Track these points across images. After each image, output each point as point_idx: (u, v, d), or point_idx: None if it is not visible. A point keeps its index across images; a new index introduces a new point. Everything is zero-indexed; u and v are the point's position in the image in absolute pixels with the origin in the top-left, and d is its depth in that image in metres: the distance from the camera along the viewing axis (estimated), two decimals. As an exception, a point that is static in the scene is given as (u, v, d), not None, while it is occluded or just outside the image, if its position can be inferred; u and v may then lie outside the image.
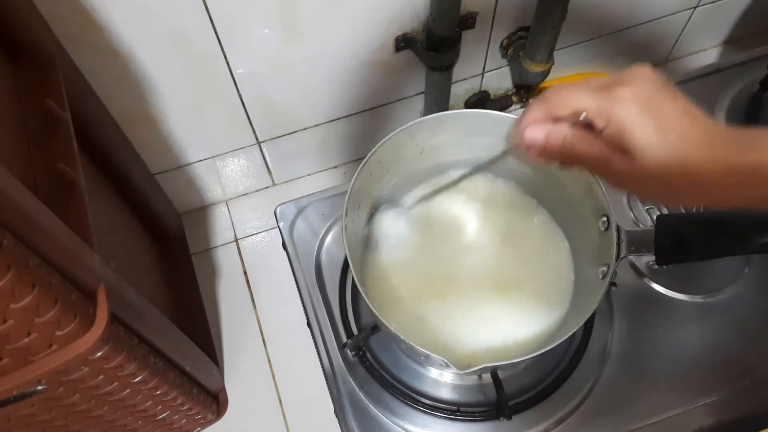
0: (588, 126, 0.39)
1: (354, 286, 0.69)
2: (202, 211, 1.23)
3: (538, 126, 0.41)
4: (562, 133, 0.41)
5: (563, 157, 0.42)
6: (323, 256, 0.72)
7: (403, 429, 0.64)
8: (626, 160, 0.38)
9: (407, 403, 0.64)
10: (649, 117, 0.37)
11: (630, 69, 0.38)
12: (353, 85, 1.02)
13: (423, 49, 0.95)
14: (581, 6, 1.05)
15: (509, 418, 0.62)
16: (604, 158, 0.39)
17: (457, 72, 1.08)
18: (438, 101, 1.08)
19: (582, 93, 0.39)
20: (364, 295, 0.54)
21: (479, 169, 0.65)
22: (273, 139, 1.10)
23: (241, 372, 1.09)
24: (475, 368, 0.51)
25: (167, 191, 1.12)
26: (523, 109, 0.57)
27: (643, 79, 0.38)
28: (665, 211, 0.74)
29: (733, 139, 0.37)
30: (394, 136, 0.58)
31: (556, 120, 0.41)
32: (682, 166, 0.36)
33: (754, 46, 0.81)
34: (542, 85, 1.22)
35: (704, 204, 0.39)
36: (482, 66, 1.12)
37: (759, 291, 0.69)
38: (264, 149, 1.12)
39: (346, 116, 1.10)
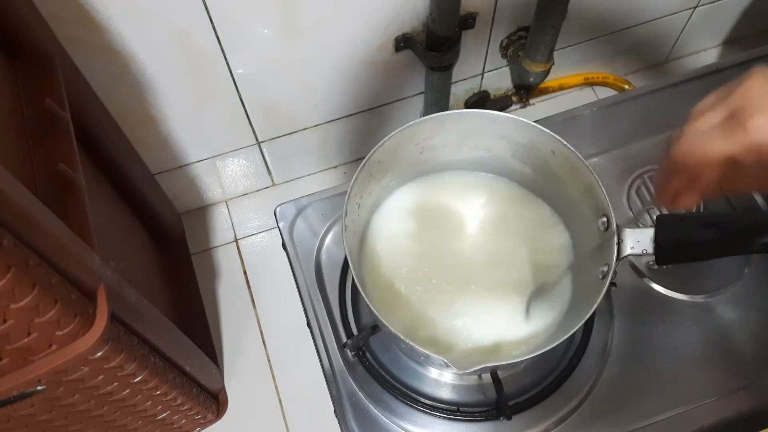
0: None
1: (354, 286, 0.69)
2: (202, 211, 1.23)
3: (688, 192, 0.40)
4: (713, 181, 0.39)
5: (721, 194, 0.42)
6: (323, 256, 0.72)
7: (403, 429, 0.64)
8: None
9: (407, 403, 0.64)
10: None
11: (743, 87, 0.36)
12: (353, 85, 1.02)
13: (423, 49, 0.95)
14: (581, 6, 1.05)
15: (509, 418, 0.62)
16: (765, 184, 0.38)
17: (457, 72, 1.08)
18: (438, 101, 1.08)
19: (715, 143, 0.37)
20: (363, 295, 0.54)
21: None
22: (273, 139, 1.10)
23: (241, 372, 1.09)
24: (475, 368, 0.51)
25: (167, 191, 1.12)
26: (525, 128, 0.56)
27: (764, 95, 0.36)
28: (665, 211, 0.74)
29: None
30: (394, 136, 0.58)
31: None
32: None
33: (754, 46, 0.81)
34: (542, 84, 1.22)
35: None
36: (482, 66, 1.12)
37: (759, 291, 0.69)
38: (264, 149, 1.12)
39: (346, 116, 1.10)
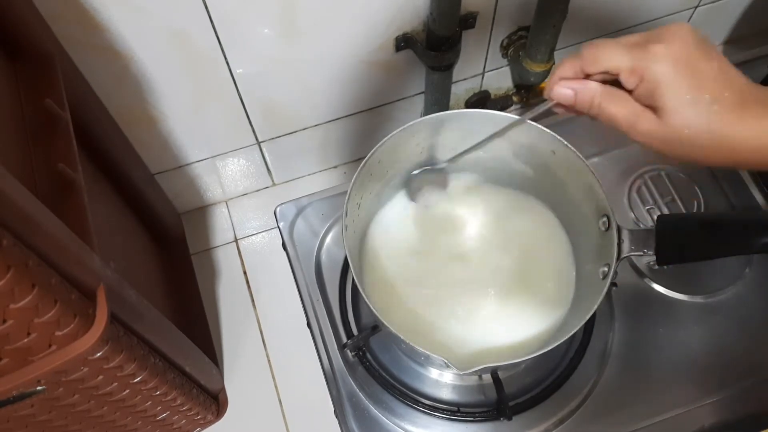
0: (618, 82, 0.39)
1: (354, 286, 0.69)
2: (202, 211, 1.23)
3: (568, 83, 0.42)
4: (591, 91, 0.41)
5: (591, 114, 0.42)
6: (323, 256, 0.72)
7: (403, 429, 0.64)
8: (656, 119, 0.37)
9: (407, 404, 0.64)
10: (683, 76, 0.36)
11: (667, 26, 0.38)
12: (353, 84, 1.02)
13: (423, 49, 0.95)
14: (582, 6, 1.05)
15: (510, 418, 0.62)
16: (633, 117, 0.39)
17: (458, 72, 1.08)
18: (438, 101, 1.08)
19: (616, 50, 0.38)
20: (364, 295, 0.53)
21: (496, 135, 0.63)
22: (273, 139, 1.10)
23: (241, 372, 1.09)
24: (476, 368, 0.51)
25: (167, 191, 1.12)
26: (525, 128, 0.57)
27: (680, 36, 0.37)
28: (666, 210, 0.74)
29: (765, 103, 0.36)
30: (394, 136, 0.58)
31: (587, 76, 0.41)
32: (713, 129, 0.36)
33: (754, 46, 0.81)
34: (543, 84, 1.22)
35: (732, 166, 0.39)
36: (482, 66, 1.12)
37: (759, 291, 0.69)
38: (264, 149, 1.12)
39: (346, 116, 1.10)
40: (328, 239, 0.73)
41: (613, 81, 0.40)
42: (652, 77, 0.37)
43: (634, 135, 0.40)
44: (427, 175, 0.66)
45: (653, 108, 0.37)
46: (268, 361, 1.10)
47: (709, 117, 0.36)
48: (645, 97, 0.38)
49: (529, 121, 0.58)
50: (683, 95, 0.36)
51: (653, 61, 0.36)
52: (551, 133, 0.57)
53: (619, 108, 0.40)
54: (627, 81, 0.38)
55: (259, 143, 1.10)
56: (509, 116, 0.58)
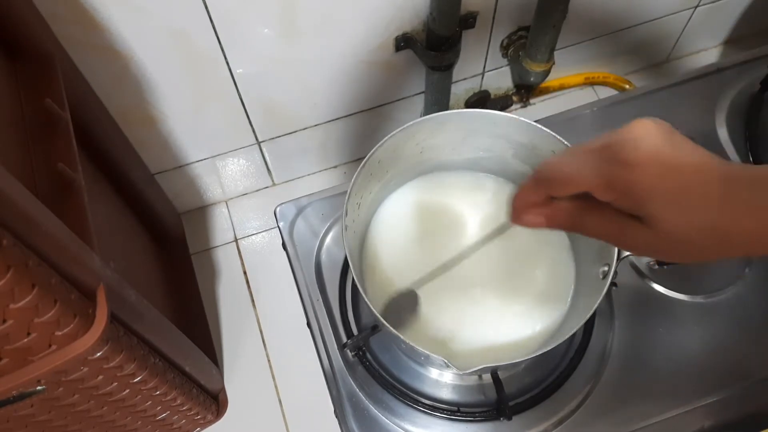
0: (588, 194, 0.35)
1: (354, 286, 0.69)
2: (202, 211, 1.23)
3: (537, 210, 0.38)
4: (564, 212, 0.37)
5: (572, 231, 0.39)
6: (323, 256, 0.72)
7: (403, 429, 0.64)
8: (644, 228, 0.34)
9: (407, 404, 0.64)
10: (663, 180, 0.32)
11: (628, 125, 0.34)
12: (353, 84, 1.02)
13: (423, 49, 0.95)
14: (582, 6, 1.05)
15: (509, 418, 0.62)
16: (619, 231, 0.35)
17: (458, 72, 1.08)
18: (438, 101, 1.08)
19: (583, 168, 0.34)
20: (363, 295, 0.53)
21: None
22: (273, 138, 1.10)
23: (240, 372, 1.09)
24: (476, 368, 0.51)
25: (167, 191, 1.12)
26: (525, 128, 0.56)
27: (647, 136, 0.33)
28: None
29: (753, 189, 0.33)
30: (394, 136, 0.58)
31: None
32: (705, 227, 0.33)
33: (754, 46, 0.81)
34: (543, 84, 1.22)
35: (729, 256, 0.35)
36: (482, 66, 1.12)
37: (759, 291, 0.69)
38: (264, 149, 1.12)
39: (346, 116, 1.10)
40: (328, 239, 0.73)
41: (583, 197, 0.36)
42: (633, 189, 0.33)
43: (624, 248, 0.37)
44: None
45: (638, 217, 0.34)
46: (268, 361, 1.10)
47: (702, 217, 0.33)
48: (627, 208, 0.34)
49: (529, 121, 0.58)
50: (668, 201, 0.33)
51: (629, 172, 0.33)
52: (551, 133, 0.57)
53: (602, 225, 0.36)
54: (603, 196, 0.34)
55: (259, 143, 1.10)
56: (509, 116, 0.58)
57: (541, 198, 0.38)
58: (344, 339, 0.67)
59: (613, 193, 0.34)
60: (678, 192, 0.32)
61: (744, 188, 0.32)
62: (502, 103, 1.21)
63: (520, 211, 0.39)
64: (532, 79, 1.10)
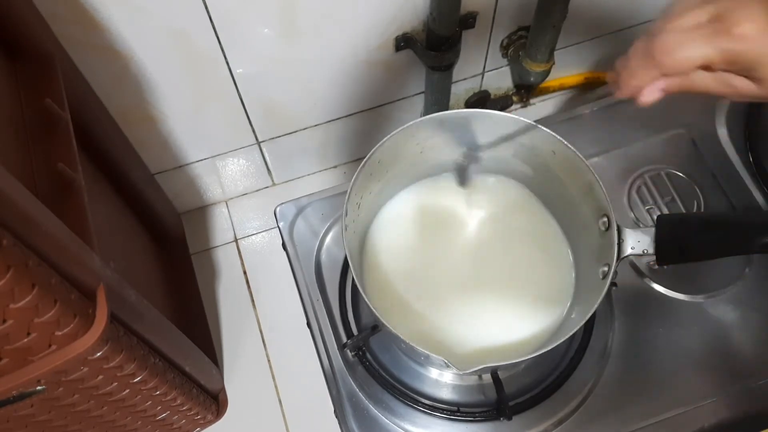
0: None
1: (354, 286, 0.69)
2: (201, 211, 1.23)
3: (653, 86, 0.39)
4: (679, 81, 0.39)
5: (679, 91, 0.40)
6: (323, 256, 0.72)
7: (403, 429, 0.64)
8: (754, 86, 0.36)
9: (407, 404, 0.64)
10: None
11: (730, 1, 0.36)
12: (353, 84, 1.02)
13: (423, 49, 0.95)
14: (582, 5, 1.05)
15: (509, 418, 0.62)
16: (729, 88, 0.38)
17: (458, 72, 1.08)
18: (438, 101, 1.08)
19: (696, 45, 0.36)
20: (363, 294, 0.54)
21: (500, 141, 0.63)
22: (273, 138, 1.10)
23: (241, 372, 1.09)
24: (476, 368, 0.51)
25: (167, 191, 1.12)
26: (525, 128, 0.56)
27: (752, 7, 0.35)
28: (666, 211, 0.74)
29: None
30: (394, 136, 0.58)
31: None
32: None
33: (755, 46, 0.81)
34: (543, 84, 1.22)
35: None
36: (482, 66, 1.12)
37: (759, 291, 0.69)
38: (264, 149, 1.12)
39: (346, 116, 1.10)
40: (328, 239, 0.73)
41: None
42: (747, 58, 0.35)
43: (734, 98, 0.39)
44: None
45: (750, 78, 0.36)
46: (268, 361, 1.10)
47: None
48: (740, 72, 0.36)
49: (529, 121, 0.58)
50: None
51: (744, 43, 0.35)
52: (551, 133, 0.57)
53: (712, 83, 0.38)
54: (720, 68, 0.37)
55: (259, 143, 1.10)
56: (509, 116, 0.58)
57: (654, 78, 0.39)
58: (344, 339, 0.67)
59: (727, 63, 0.36)
60: None
61: None
62: (502, 103, 1.21)
63: (633, 89, 0.40)
64: (532, 79, 1.10)
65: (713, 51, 0.36)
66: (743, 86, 0.37)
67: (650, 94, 0.40)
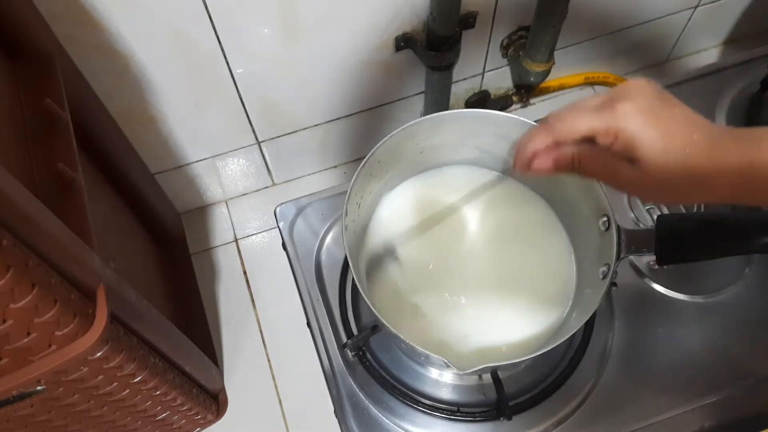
0: (589, 140, 0.41)
1: (354, 286, 0.69)
2: (201, 211, 1.23)
3: (545, 155, 0.43)
4: (569, 155, 0.43)
5: (571, 173, 0.44)
6: (323, 256, 0.72)
7: (403, 429, 0.64)
8: (634, 168, 0.39)
9: (407, 404, 0.64)
10: (652, 127, 0.38)
11: (625, 84, 0.40)
12: (353, 84, 1.02)
13: (423, 49, 0.95)
14: (582, 6, 1.05)
15: (509, 418, 0.62)
16: (612, 170, 0.41)
17: (458, 71, 1.08)
18: (438, 101, 1.08)
19: (585, 116, 0.41)
20: (364, 294, 0.53)
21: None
22: (273, 138, 1.10)
23: (240, 372, 1.09)
24: (476, 368, 0.51)
25: (167, 191, 1.12)
26: (525, 128, 0.58)
27: (640, 92, 0.39)
28: (666, 210, 0.74)
29: (733, 140, 0.38)
30: (394, 136, 0.58)
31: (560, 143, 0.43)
32: (687, 170, 0.38)
33: (754, 46, 0.81)
34: (543, 84, 1.22)
35: (709, 201, 0.41)
36: (482, 66, 1.12)
37: (759, 291, 0.69)
38: (264, 149, 1.12)
39: (346, 116, 1.10)
40: (328, 239, 0.73)
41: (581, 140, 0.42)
42: (625, 133, 0.39)
43: (617, 185, 0.42)
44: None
45: (630, 160, 0.39)
46: (268, 361, 1.10)
47: (684, 160, 0.38)
48: (621, 151, 0.40)
49: (529, 121, 0.58)
50: (656, 144, 0.38)
51: (623, 119, 0.39)
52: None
53: (600, 166, 0.42)
54: (602, 140, 0.40)
55: (259, 143, 1.10)
56: (509, 116, 0.58)
57: (548, 143, 0.43)
58: (344, 339, 0.67)
59: (610, 137, 0.40)
60: (664, 138, 0.38)
61: (727, 137, 0.38)
62: (502, 103, 1.21)
63: (527, 157, 0.44)
64: (532, 79, 1.10)
65: (598, 122, 0.40)
66: (626, 172, 0.40)
67: (542, 162, 0.44)
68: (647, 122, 0.38)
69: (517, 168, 0.45)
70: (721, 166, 0.37)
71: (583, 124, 0.40)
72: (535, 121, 0.58)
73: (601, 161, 0.41)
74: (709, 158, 0.38)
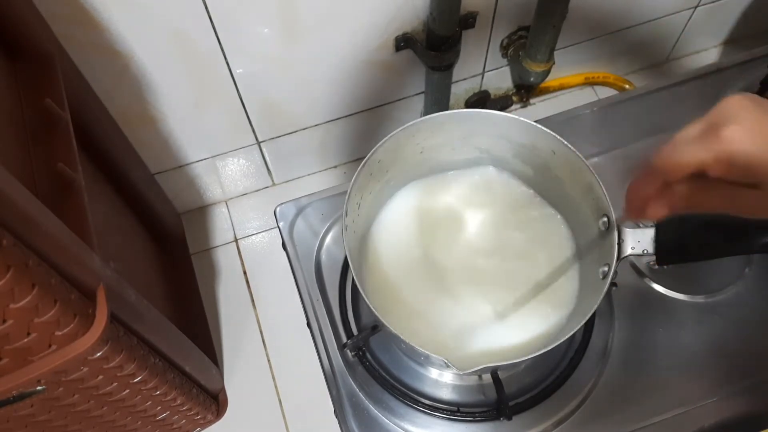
0: (701, 174, 0.38)
1: (354, 286, 0.69)
2: (201, 211, 1.23)
3: (658, 200, 0.41)
4: (681, 196, 0.40)
5: (689, 211, 0.41)
6: (323, 256, 0.72)
7: (403, 429, 0.64)
8: (758, 192, 0.37)
9: (407, 404, 0.64)
10: (766, 145, 0.36)
11: (722, 104, 0.38)
12: (353, 84, 1.02)
13: (423, 49, 0.95)
14: (582, 5, 1.05)
15: (509, 418, 0.62)
16: (733, 199, 0.39)
17: (458, 72, 1.08)
18: (438, 101, 1.08)
19: (690, 150, 0.38)
20: (363, 294, 0.53)
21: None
22: (273, 138, 1.10)
23: (240, 372, 1.09)
24: (476, 368, 0.51)
25: (167, 191, 1.12)
26: (525, 128, 0.56)
27: (741, 110, 0.37)
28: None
29: None
30: (394, 136, 0.58)
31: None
32: None
33: (754, 46, 0.81)
34: (543, 84, 1.22)
35: None
36: (482, 66, 1.12)
37: (759, 291, 0.69)
38: (264, 149, 1.12)
39: (346, 116, 1.10)
40: (328, 239, 0.73)
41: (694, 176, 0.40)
42: (740, 160, 0.36)
43: (742, 213, 0.40)
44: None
45: (752, 185, 0.37)
46: (268, 361, 1.10)
47: None
48: (739, 179, 0.37)
49: (529, 121, 0.58)
50: None
51: (732, 145, 0.36)
52: (551, 133, 0.57)
53: (717, 197, 0.39)
54: (715, 172, 0.37)
55: (259, 143, 1.10)
56: (509, 116, 0.58)
57: (657, 186, 0.41)
58: (344, 339, 0.67)
59: (723, 167, 0.37)
60: None
61: None
62: (502, 103, 1.21)
63: (638, 204, 0.42)
64: (532, 79, 1.10)
65: (706, 153, 0.37)
66: (749, 198, 0.38)
67: (656, 209, 0.42)
68: (759, 142, 0.36)
69: (630, 217, 0.44)
70: None
71: (690, 158, 0.38)
72: (536, 121, 0.58)
73: (719, 193, 0.39)
74: None
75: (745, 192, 0.38)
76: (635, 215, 0.43)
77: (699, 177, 0.39)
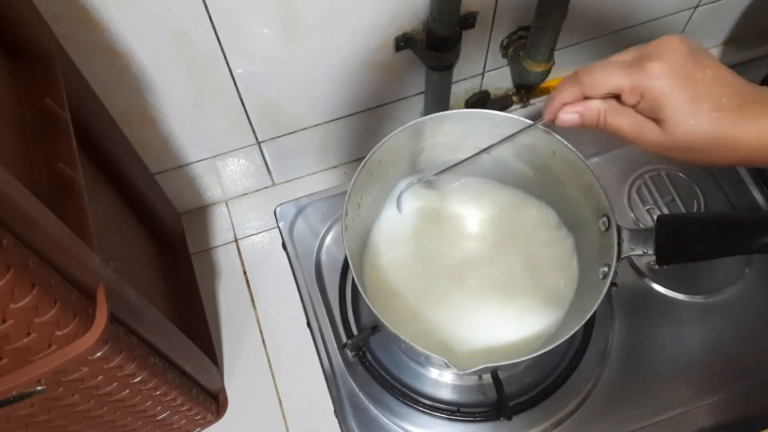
0: (617, 97, 0.41)
1: (354, 286, 0.69)
2: (201, 211, 1.23)
3: (572, 107, 0.44)
4: (595, 110, 0.43)
5: (597, 128, 0.43)
6: (323, 256, 0.72)
7: (403, 429, 0.64)
8: (660, 130, 0.39)
9: (407, 404, 0.64)
10: (681, 89, 0.38)
11: (658, 40, 0.39)
12: (353, 84, 1.02)
13: (423, 49, 0.95)
14: (582, 5, 1.05)
15: (509, 418, 0.62)
16: (638, 129, 0.41)
17: (458, 72, 1.08)
18: (438, 101, 1.08)
19: (614, 72, 0.41)
20: (363, 295, 0.54)
21: (502, 142, 0.63)
22: (273, 138, 1.10)
23: (240, 372, 1.09)
24: (476, 369, 0.51)
25: (167, 191, 1.12)
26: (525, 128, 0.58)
27: (672, 50, 0.39)
28: (666, 210, 0.74)
29: (762, 103, 0.37)
30: (394, 136, 0.58)
31: (586, 98, 0.43)
32: (713, 133, 0.38)
33: (754, 46, 0.81)
34: (543, 84, 1.22)
35: (733, 164, 0.41)
36: (482, 66, 1.12)
37: (759, 291, 0.69)
38: (264, 149, 1.12)
39: (346, 116, 1.10)
40: (328, 239, 0.73)
41: (612, 97, 0.42)
42: (652, 94, 0.38)
43: (641, 145, 0.42)
44: (417, 189, 0.67)
45: (656, 120, 0.39)
46: (268, 361, 1.10)
47: (710, 124, 0.37)
48: (647, 111, 0.39)
49: (529, 122, 0.58)
50: (683, 107, 0.38)
51: (651, 79, 0.38)
52: (551, 133, 0.57)
53: (624, 122, 0.42)
54: (628, 99, 0.40)
55: (259, 143, 1.10)
56: (509, 116, 0.58)
57: (576, 97, 0.44)
58: (344, 339, 0.67)
59: (637, 96, 0.39)
60: (691, 101, 0.37)
61: (756, 100, 0.37)
62: (502, 103, 1.21)
63: (556, 108, 0.45)
64: (532, 79, 1.10)
65: (625, 80, 0.40)
66: (651, 133, 0.40)
67: (568, 113, 0.44)
68: (675, 83, 0.38)
69: (545, 117, 0.46)
70: (746, 130, 0.37)
71: (610, 80, 0.40)
72: (536, 124, 0.58)
73: (627, 119, 0.41)
74: (735, 122, 0.37)
75: (649, 125, 0.40)
76: (548, 116, 0.46)
77: (614, 99, 0.42)
